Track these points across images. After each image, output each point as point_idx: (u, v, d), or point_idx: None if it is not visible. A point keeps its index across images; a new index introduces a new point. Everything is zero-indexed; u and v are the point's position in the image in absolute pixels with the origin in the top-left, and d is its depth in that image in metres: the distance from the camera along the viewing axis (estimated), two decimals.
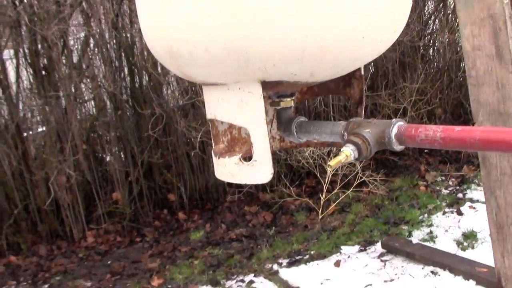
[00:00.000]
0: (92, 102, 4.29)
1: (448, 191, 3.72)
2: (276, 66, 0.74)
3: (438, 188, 3.79)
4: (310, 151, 3.89)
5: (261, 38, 0.70)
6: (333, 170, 3.81)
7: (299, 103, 4.43)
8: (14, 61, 3.95)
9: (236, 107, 0.82)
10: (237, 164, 0.85)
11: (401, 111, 4.12)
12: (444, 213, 3.34)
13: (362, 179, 3.80)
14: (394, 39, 0.82)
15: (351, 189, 3.72)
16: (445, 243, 2.91)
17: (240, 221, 3.84)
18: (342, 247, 3.09)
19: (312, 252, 3.12)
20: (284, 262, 3.05)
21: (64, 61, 3.99)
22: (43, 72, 3.93)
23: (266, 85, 0.80)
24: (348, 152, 0.73)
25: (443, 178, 3.95)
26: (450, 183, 3.86)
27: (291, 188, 3.86)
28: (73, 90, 3.93)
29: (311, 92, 1.02)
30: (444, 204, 3.48)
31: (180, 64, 0.79)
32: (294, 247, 3.23)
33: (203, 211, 4.09)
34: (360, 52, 0.77)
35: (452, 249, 2.82)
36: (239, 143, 1.00)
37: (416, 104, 4.15)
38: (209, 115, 0.89)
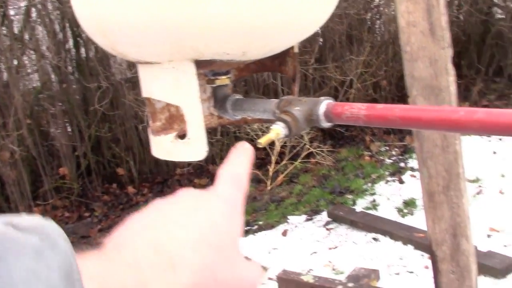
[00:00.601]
0: (36, 75, 4.15)
1: (391, 161, 3.85)
2: (208, 46, 0.75)
3: (382, 158, 3.92)
4: (259, 124, 3.93)
5: (193, 17, 0.71)
6: (282, 142, 3.87)
7: (249, 77, 4.45)
8: None
9: (170, 86, 0.83)
10: (172, 142, 0.86)
11: (348, 83, 4.21)
12: (387, 182, 3.46)
13: (310, 151, 3.88)
14: (327, 17, 0.85)
15: (299, 160, 3.80)
16: (387, 211, 3.03)
17: None
18: (289, 217, 3.18)
19: (260, 223, 3.18)
20: None
21: (4, 32, 3.83)
22: None
23: (199, 64, 0.81)
24: (278, 130, 0.76)
25: (387, 148, 4.09)
26: (393, 153, 4.00)
27: None
28: (15, 62, 3.79)
29: (248, 70, 1.03)
30: (387, 173, 3.62)
31: (111, 41, 0.79)
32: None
33: (153, 184, 4.09)
34: (292, 31, 0.79)
35: (393, 216, 2.95)
36: (178, 121, 1.00)
37: (362, 76, 4.24)
38: (144, 93, 0.90)
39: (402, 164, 3.72)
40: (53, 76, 4.01)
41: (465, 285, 1.63)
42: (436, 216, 1.54)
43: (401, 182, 3.38)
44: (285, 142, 3.92)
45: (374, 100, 4.53)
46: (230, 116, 0.93)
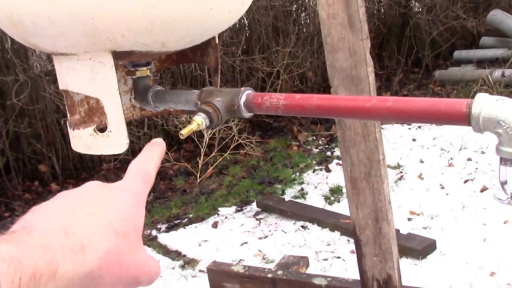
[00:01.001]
0: None
1: (318, 150, 3.95)
2: (125, 37, 0.74)
3: (309, 147, 4.00)
4: (187, 116, 3.90)
5: (108, 8, 0.69)
6: (210, 134, 3.87)
7: (176, 68, 4.39)
8: None
9: (88, 77, 0.80)
10: (91, 135, 0.84)
11: (275, 74, 4.26)
12: (314, 170, 3.55)
13: (239, 142, 3.90)
14: (244, 10, 0.85)
15: (228, 152, 3.81)
16: (315, 199, 3.11)
17: None
18: (219, 208, 3.18)
19: (190, 216, 3.17)
20: (163, 227, 3.08)
21: None
22: None
23: (117, 55, 0.79)
24: (199, 121, 0.76)
25: (314, 137, 4.18)
26: (320, 142, 4.09)
27: (169, 153, 3.86)
28: None
29: (170, 61, 1.02)
30: (314, 162, 3.70)
31: (23, 33, 0.75)
32: (173, 211, 3.26)
33: (78, 180, 3.95)
34: (210, 23, 0.79)
35: (321, 203, 3.03)
36: (98, 113, 0.98)
37: (289, 67, 4.31)
38: (61, 86, 0.87)
39: (328, 153, 3.82)
40: None
41: (387, 267, 1.71)
42: (359, 202, 1.61)
43: (328, 170, 3.48)
44: (214, 134, 3.92)
45: (301, 91, 4.61)
46: (151, 108, 0.92)
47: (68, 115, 0.92)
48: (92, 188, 0.52)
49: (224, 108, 0.77)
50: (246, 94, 0.77)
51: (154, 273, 0.54)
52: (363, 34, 1.41)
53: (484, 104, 0.57)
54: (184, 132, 0.75)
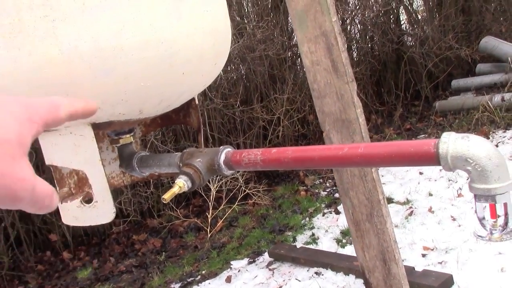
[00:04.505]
0: None
1: (326, 193, 3.92)
2: (102, 109, 0.75)
3: (317, 191, 3.98)
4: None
5: (81, 83, 0.71)
6: (217, 186, 3.87)
7: (176, 126, 4.44)
8: None
9: (70, 151, 0.82)
10: (79, 207, 0.85)
11: (275, 121, 4.29)
12: (324, 214, 3.52)
13: (246, 192, 3.89)
14: (219, 70, 0.87)
15: (237, 203, 3.79)
16: (327, 243, 3.07)
17: (129, 251, 3.75)
18: (232, 262, 3.14)
19: (203, 272, 3.13)
20: (176, 286, 3.04)
21: None
22: None
23: (98, 126, 0.81)
24: (181, 183, 0.77)
25: (321, 180, 4.17)
26: (327, 184, 4.07)
27: (178, 210, 3.85)
28: None
29: (155, 124, 1.04)
30: (323, 205, 3.67)
31: None
32: (185, 269, 3.23)
33: (89, 246, 3.94)
34: (184, 87, 0.81)
35: (333, 247, 2.99)
36: (88, 183, 0.99)
37: (288, 113, 4.35)
38: (47, 161, 0.88)
39: (336, 195, 3.79)
40: None
41: None
42: (365, 244, 1.58)
43: (337, 212, 3.45)
44: (220, 186, 3.92)
45: (304, 135, 4.64)
46: (137, 173, 0.93)
47: (57, 189, 0.93)
48: None
49: (205, 169, 0.78)
50: (225, 152, 0.78)
51: (40, 193, 0.51)
52: (348, 77, 1.43)
53: (451, 143, 0.57)
54: (167, 197, 0.75)
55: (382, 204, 1.54)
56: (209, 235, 3.64)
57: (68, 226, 3.97)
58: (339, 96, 1.46)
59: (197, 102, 0.95)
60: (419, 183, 3.57)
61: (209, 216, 3.68)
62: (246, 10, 4.88)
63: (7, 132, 0.47)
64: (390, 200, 3.40)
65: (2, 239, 3.67)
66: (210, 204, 3.68)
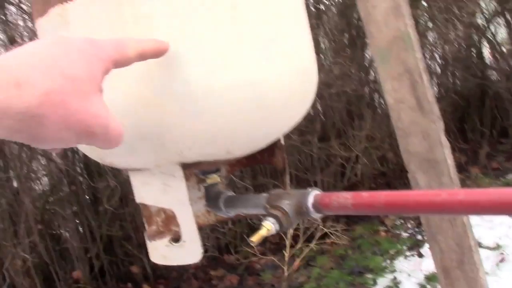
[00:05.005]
0: (45, 179, 4.21)
1: (408, 234, 3.77)
2: (191, 150, 0.77)
3: (398, 232, 3.84)
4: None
5: (172, 125, 0.73)
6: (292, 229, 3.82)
7: None
8: None
9: (160, 190, 0.83)
10: (167, 246, 0.86)
11: (353, 158, 4.22)
12: (406, 257, 3.37)
13: (324, 231, 3.82)
14: (306, 110, 0.87)
15: (314, 242, 3.73)
16: None
17: (206, 286, 3.77)
18: None
19: None
20: None
21: None
22: None
23: (187, 166, 0.82)
24: (269, 226, 0.75)
25: (402, 221, 4.01)
26: (409, 225, 3.92)
27: (255, 247, 3.84)
28: (24, 169, 3.86)
29: (240, 164, 1.04)
30: (405, 247, 3.53)
31: (100, 154, 0.81)
32: None
33: (169, 280, 4.00)
34: (271, 128, 0.81)
35: None
36: (175, 221, 1.00)
37: (367, 150, 4.26)
38: (137, 199, 0.91)
39: (419, 237, 3.63)
40: (62, 178, 4.07)
41: None
42: None
43: (420, 256, 3.29)
44: (298, 225, 3.87)
45: (383, 174, 4.51)
46: (223, 213, 0.93)
47: (146, 227, 0.95)
48: (54, 37, 0.51)
49: (293, 211, 0.76)
50: (313, 195, 0.76)
51: (113, 129, 0.52)
52: (434, 115, 1.38)
53: None
54: (255, 239, 0.74)
55: (474, 251, 1.44)
56: (286, 274, 3.58)
57: (148, 259, 4.07)
58: (425, 136, 1.41)
59: (282, 142, 0.94)
60: (510, 227, 3.35)
61: (286, 255, 3.63)
62: (323, 47, 4.91)
63: (76, 69, 0.48)
64: (478, 245, 3.21)
65: (87, 270, 3.81)
66: (287, 242, 3.64)
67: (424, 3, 4.82)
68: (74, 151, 4.03)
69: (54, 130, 0.47)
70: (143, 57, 0.60)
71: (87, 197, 4.08)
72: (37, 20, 0.77)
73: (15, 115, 0.44)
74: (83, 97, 0.48)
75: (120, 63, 0.57)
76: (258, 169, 4.28)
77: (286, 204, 0.77)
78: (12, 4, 3.81)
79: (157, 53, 0.61)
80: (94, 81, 0.50)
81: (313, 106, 5.03)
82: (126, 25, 0.69)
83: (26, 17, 3.75)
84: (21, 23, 3.82)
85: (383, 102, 4.82)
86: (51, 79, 0.46)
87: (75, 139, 0.51)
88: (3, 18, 3.72)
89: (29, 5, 3.64)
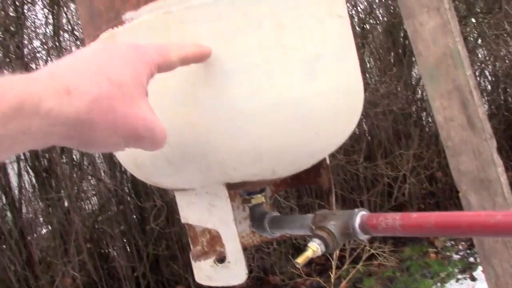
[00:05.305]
0: (94, 198, 4.32)
1: (459, 256, 3.64)
2: (237, 169, 0.76)
3: (448, 253, 3.71)
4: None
5: (218, 145, 0.73)
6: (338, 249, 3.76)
7: None
8: (15, 166, 4.03)
9: (205, 210, 0.84)
10: (212, 267, 0.85)
11: (401, 178, 4.13)
12: (458, 280, 3.25)
13: (371, 252, 3.74)
14: (352, 129, 0.85)
15: (361, 264, 3.65)
16: None
17: None
18: None
19: None
20: None
21: (64, 160, 4.06)
22: (44, 174, 3.99)
23: (232, 186, 0.82)
24: (314, 247, 0.74)
25: (453, 242, 3.88)
26: (460, 247, 3.78)
27: (300, 268, 3.80)
28: (75, 189, 3.97)
29: (285, 184, 1.04)
30: (456, 270, 3.41)
31: (146, 174, 0.82)
32: None
33: None
34: (317, 147, 0.80)
35: None
36: (220, 241, 1.00)
37: (415, 170, 4.16)
38: (183, 219, 0.91)
39: (471, 259, 3.50)
40: (110, 198, 4.16)
41: None
42: None
43: (473, 279, 3.17)
44: (344, 245, 3.80)
45: (432, 194, 4.39)
46: (268, 234, 0.92)
47: (192, 247, 0.95)
48: (97, 43, 0.53)
49: (339, 232, 0.75)
50: (360, 215, 0.74)
51: (159, 132, 0.53)
52: (486, 133, 1.33)
53: None
54: (300, 261, 0.73)
55: None
56: None
57: (193, 279, 4.08)
58: (477, 154, 1.36)
59: (328, 162, 0.93)
60: None
61: (332, 276, 3.57)
62: (368, 66, 4.86)
63: (122, 74, 0.49)
64: None
65: None
66: (333, 263, 3.58)
67: (473, 20, 4.72)
68: (123, 171, 4.12)
69: (103, 135, 0.48)
70: (185, 61, 0.61)
71: (135, 217, 4.15)
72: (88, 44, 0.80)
73: (66, 121, 0.45)
74: (130, 101, 0.49)
75: (164, 67, 0.58)
76: (303, 189, 4.25)
77: (332, 225, 0.76)
78: (66, 31, 3.98)
79: (200, 58, 0.62)
80: (140, 85, 0.51)
81: (359, 125, 4.97)
82: None
83: (79, 43, 3.90)
84: (74, 49, 3.97)
85: (431, 121, 4.72)
86: (98, 85, 0.47)
87: (123, 142, 0.52)
88: (58, 44, 3.88)
89: (81, 31, 3.79)
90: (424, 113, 4.84)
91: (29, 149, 0.46)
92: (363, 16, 4.71)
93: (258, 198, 0.91)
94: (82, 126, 0.46)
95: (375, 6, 4.69)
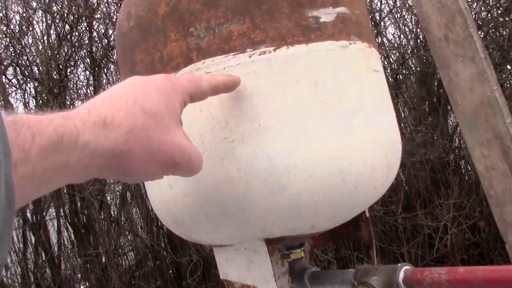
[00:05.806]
0: (131, 254, 4.33)
1: None
2: (275, 225, 0.76)
3: None
4: None
5: (256, 201, 0.74)
6: None
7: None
8: (55, 222, 4.11)
9: (244, 266, 0.83)
10: None
11: (442, 228, 4.01)
12: None
13: None
14: (390, 182, 0.85)
15: None
16: None
17: None
18: None
19: None
20: None
21: (102, 216, 4.11)
22: (83, 230, 4.05)
23: (271, 242, 0.81)
24: None
25: None
26: None
27: None
28: (112, 245, 4.00)
29: (324, 238, 1.02)
30: None
31: (185, 230, 0.82)
32: None
33: None
34: (356, 201, 0.79)
35: None
36: None
37: (456, 219, 4.04)
38: (222, 276, 0.91)
39: None
40: (147, 253, 4.17)
41: None
42: None
43: None
44: None
45: (475, 244, 4.24)
46: None
47: None
48: (131, 78, 0.54)
49: None
50: (404, 270, 0.73)
51: (195, 157, 0.54)
52: None
53: None
54: None
55: None
56: None
57: None
58: None
59: (367, 215, 0.92)
60: None
61: None
62: (403, 115, 4.84)
63: (155, 104, 0.51)
64: None
65: None
66: None
67: (509, 66, 4.68)
68: (159, 226, 4.15)
69: (141, 164, 0.50)
70: (216, 89, 0.63)
71: (171, 272, 4.14)
72: None
73: (104, 153, 0.47)
74: (165, 130, 0.51)
75: (196, 96, 0.61)
76: (341, 241, 4.17)
77: (375, 280, 0.74)
78: (113, 63, 4.13)
79: (230, 86, 0.64)
80: (174, 113, 0.53)
81: (396, 174, 4.89)
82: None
83: None
84: None
85: (470, 169, 4.62)
86: (133, 117, 0.49)
87: (161, 171, 0.53)
88: (105, 76, 4.03)
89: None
90: (463, 161, 4.74)
91: (69, 183, 0.48)
92: (395, 66, 4.74)
93: (298, 253, 0.90)
94: (119, 156, 0.48)
95: (407, 57, 4.72)
